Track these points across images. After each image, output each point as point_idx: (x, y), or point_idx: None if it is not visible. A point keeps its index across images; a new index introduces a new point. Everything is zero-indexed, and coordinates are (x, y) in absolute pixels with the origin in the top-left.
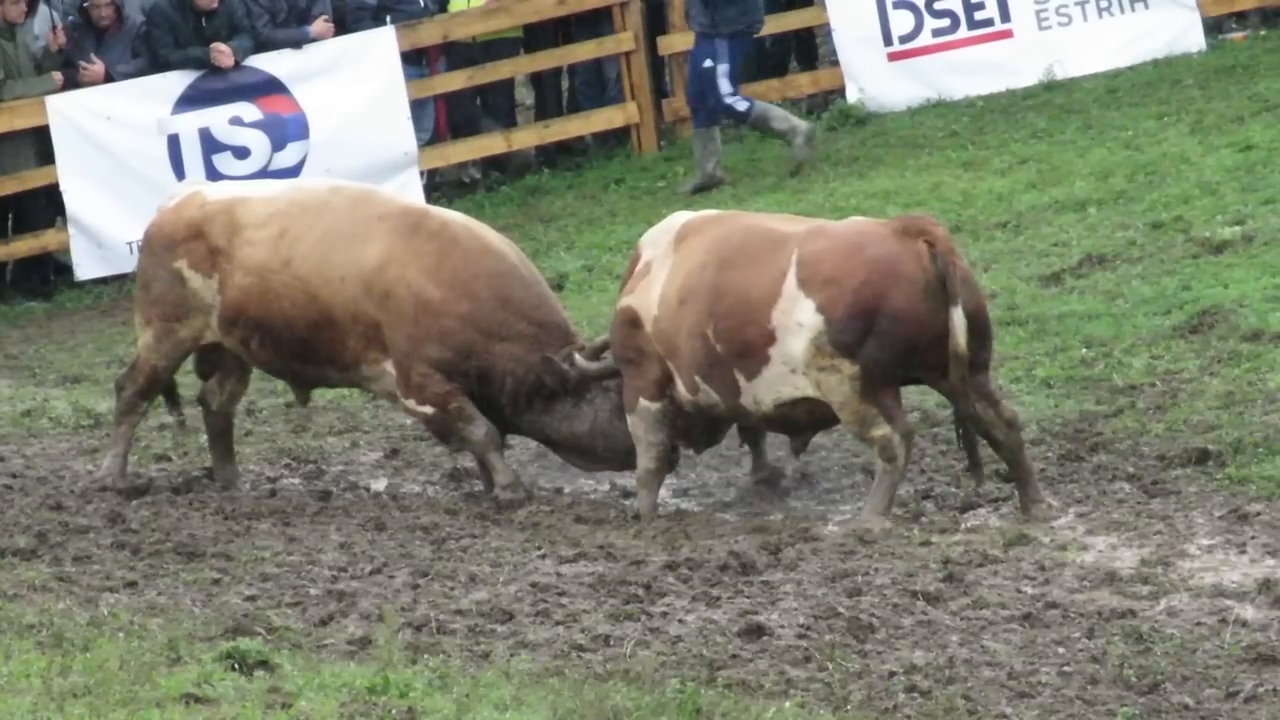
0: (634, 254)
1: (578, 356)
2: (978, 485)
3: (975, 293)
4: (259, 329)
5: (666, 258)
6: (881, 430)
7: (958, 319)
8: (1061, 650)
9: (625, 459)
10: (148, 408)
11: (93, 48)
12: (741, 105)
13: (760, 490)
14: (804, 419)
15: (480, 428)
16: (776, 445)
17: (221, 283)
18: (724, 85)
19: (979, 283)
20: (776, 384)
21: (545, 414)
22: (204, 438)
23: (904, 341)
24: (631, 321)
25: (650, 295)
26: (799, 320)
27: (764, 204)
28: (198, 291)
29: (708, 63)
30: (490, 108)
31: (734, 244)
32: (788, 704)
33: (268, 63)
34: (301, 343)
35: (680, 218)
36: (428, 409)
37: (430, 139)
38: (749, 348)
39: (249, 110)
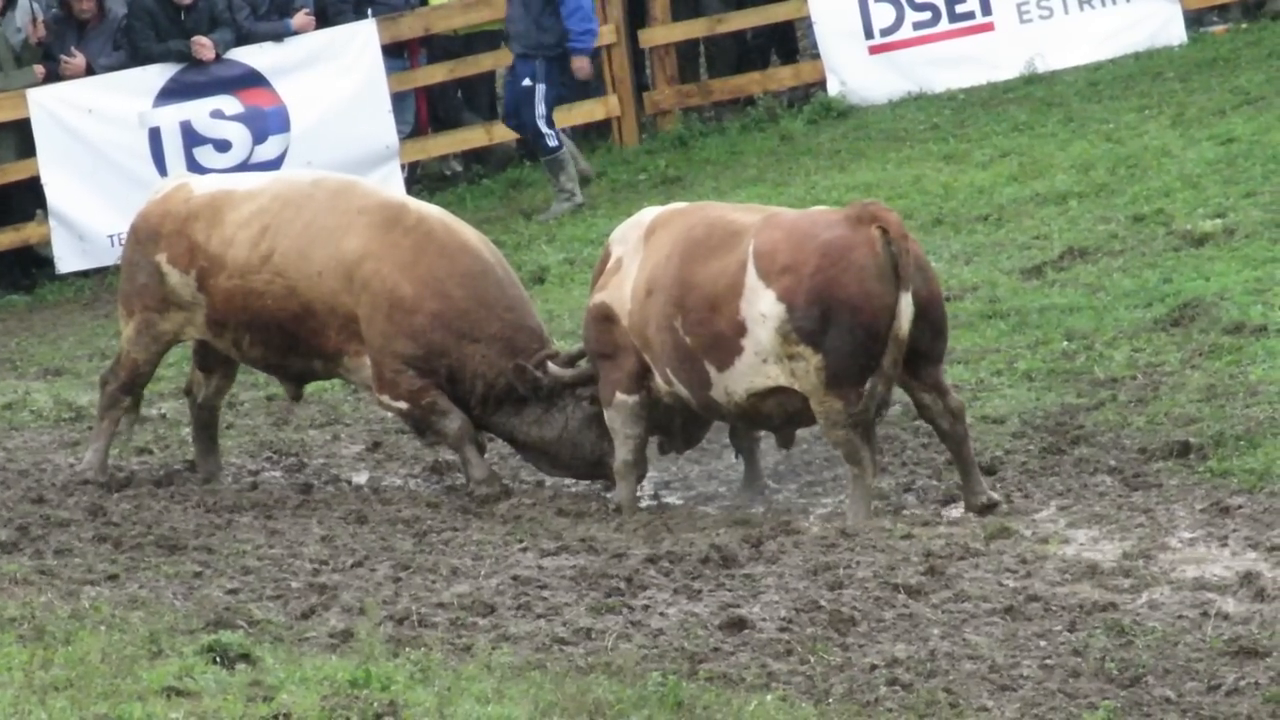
0: (604, 251)
1: (551, 364)
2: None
3: (930, 280)
4: (248, 329)
5: (636, 253)
6: (843, 433)
7: (905, 304)
8: (1043, 643)
9: (592, 469)
10: (130, 402)
11: (74, 40)
12: (551, 140)
13: (744, 496)
14: (775, 412)
15: (454, 421)
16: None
17: (200, 280)
18: (540, 107)
19: (936, 272)
20: (749, 374)
21: (514, 417)
22: (185, 430)
23: (862, 328)
24: (606, 317)
25: (623, 290)
26: (762, 311)
27: (745, 196)
28: (175, 288)
29: (527, 81)
30: (471, 101)
31: (696, 237)
32: (769, 697)
33: (249, 56)
34: (287, 337)
35: (649, 213)
36: (401, 404)
37: (411, 132)
38: (720, 340)
39: (230, 103)
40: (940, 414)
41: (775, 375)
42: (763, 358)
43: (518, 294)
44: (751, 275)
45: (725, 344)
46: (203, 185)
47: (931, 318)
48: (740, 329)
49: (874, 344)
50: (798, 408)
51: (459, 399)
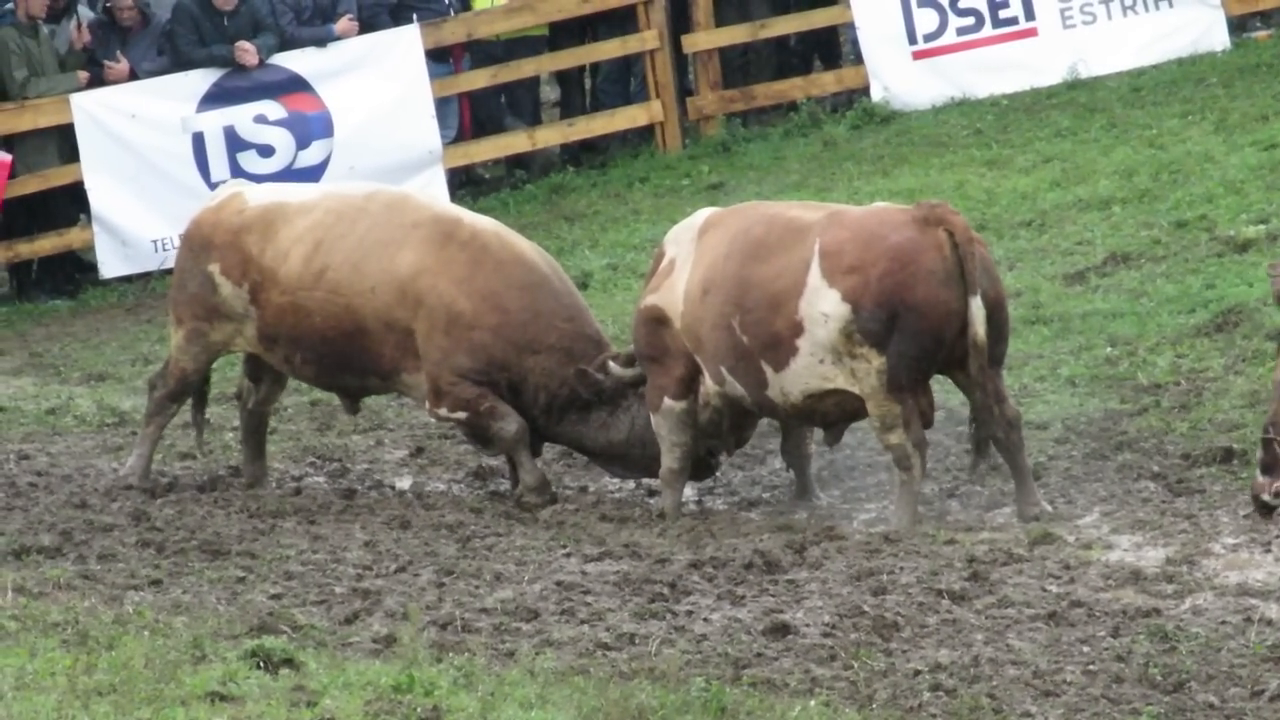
0: (657, 252)
1: (612, 364)
2: (972, 471)
3: (995, 282)
4: (298, 345)
5: (689, 253)
6: (897, 437)
7: (976, 308)
8: (1086, 649)
9: None
10: (177, 409)
11: (117, 46)
12: None
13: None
14: (832, 411)
15: (512, 424)
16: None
17: (253, 293)
18: None
19: (999, 274)
20: (805, 375)
21: (581, 424)
22: (229, 435)
23: (928, 333)
24: (657, 319)
25: (675, 292)
26: (824, 311)
27: (787, 200)
28: (227, 299)
29: None
30: (514, 106)
31: (755, 235)
32: (813, 703)
33: (292, 61)
34: (340, 355)
35: (703, 214)
36: (459, 414)
37: (455, 137)
38: (777, 339)
39: (273, 108)
40: (996, 422)
41: (832, 376)
42: (819, 358)
43: (574, 302)
44: (815, 274)
45: (781, 344)
46: (257, 196)
47: (995, 320)
48: (797, 329)
49: (937, 349)
50: (855, 408)
51: (523, 411)
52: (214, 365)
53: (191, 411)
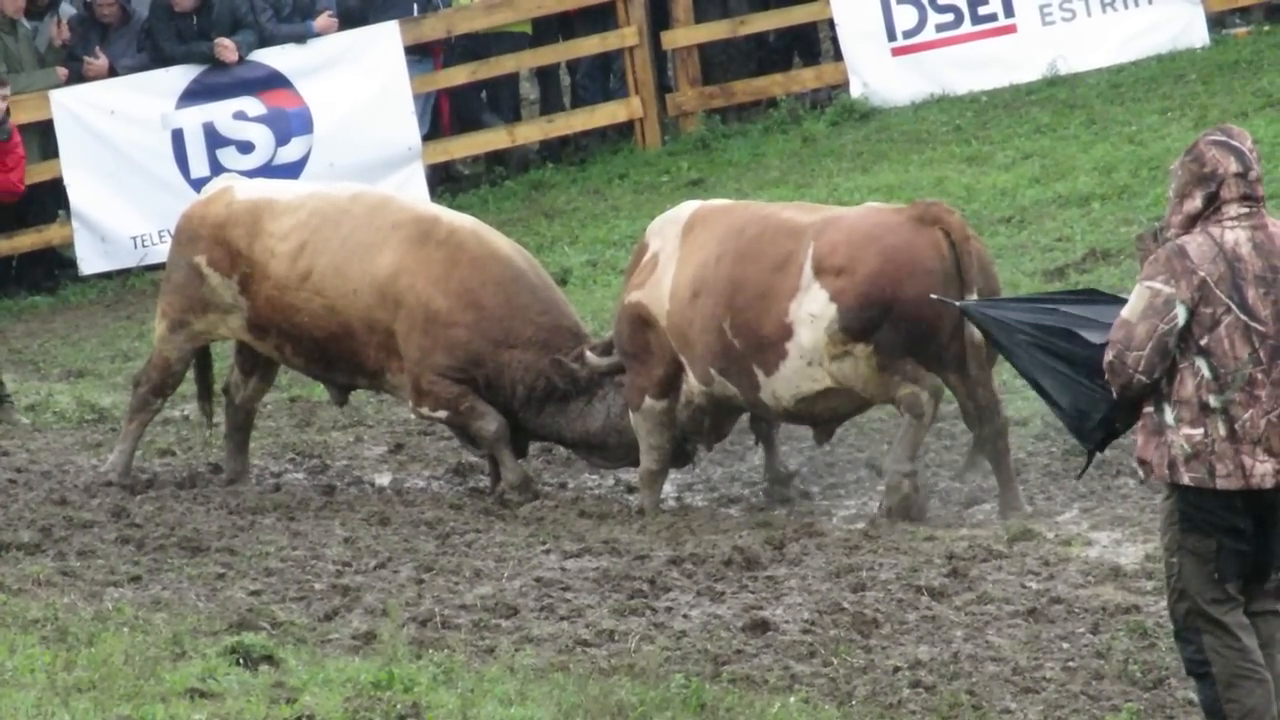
0: (639, 244)
1: (588, 353)
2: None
3: (991, 280)
4: (288, 339)
5: (674, 250)
6: (907, 389)
7: None
8: (1066, 645)
9: None
10: (161, 405)
11: (97, 42)
12: None
13: (773, 491)
14: (824, 413)
15: (493, 422)
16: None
17: (243, 285)
18: None
19: (995, 271)
20: (795, 379)
21: (559, 415)
22: (208, 432)
23: (919, 327)
24: (641, 317)
25: (661, 289)
26: (811, 311)
27: (767, 198)
28: (216, 289)
29: None
30: (494, 102)
31: (749, 236)
32: (792, 699)
33: (271, 57)
34: (327, 354)
35: (688, 207)
36: (441, 413)
37: (434, 134)
38: (766, 342)
39: (253, 105)
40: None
41: (821, 378)
42: (807, 361)
43: (550, 296)
44: (808, 276)
45: (771, 347)
46: (246, 190)
47: None
48: (786, 332)
49: (928, 342)
50: (848, 411)
51: (501, 405)
52: (215, 357)
53: (197, 400)
